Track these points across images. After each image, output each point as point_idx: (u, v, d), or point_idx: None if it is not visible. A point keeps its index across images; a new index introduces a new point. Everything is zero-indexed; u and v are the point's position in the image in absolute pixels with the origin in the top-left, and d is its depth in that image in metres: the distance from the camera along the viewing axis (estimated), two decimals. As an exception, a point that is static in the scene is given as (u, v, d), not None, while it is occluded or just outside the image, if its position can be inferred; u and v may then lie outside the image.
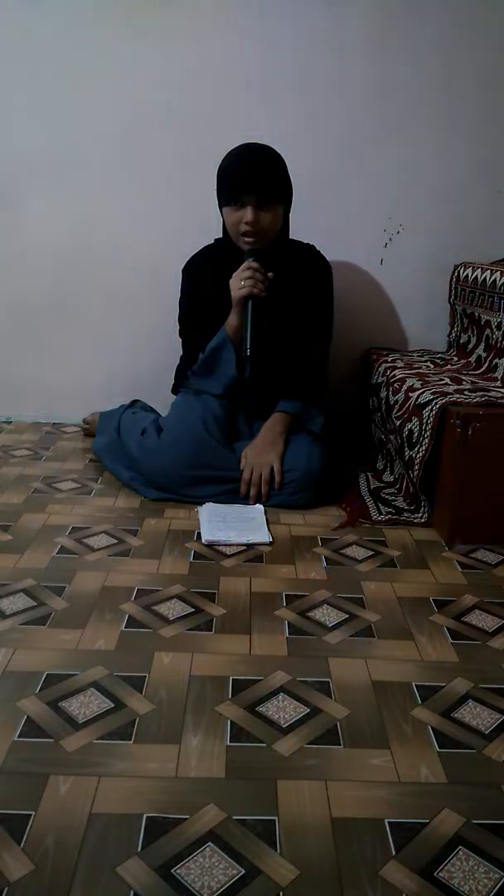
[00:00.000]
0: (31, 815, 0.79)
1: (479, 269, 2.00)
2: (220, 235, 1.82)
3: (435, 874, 0.74)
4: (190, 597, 1.28)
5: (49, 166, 2.09)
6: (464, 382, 1.74)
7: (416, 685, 1.05)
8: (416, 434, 1.61)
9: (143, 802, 0.81)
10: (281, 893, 0.71)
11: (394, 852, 0.76)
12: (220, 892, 0.71)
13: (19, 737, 0.91)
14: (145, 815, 0.80)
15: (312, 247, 1.86)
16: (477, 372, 1.89)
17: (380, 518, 1.63)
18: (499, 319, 1.85)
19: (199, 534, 1.53)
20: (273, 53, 2.02)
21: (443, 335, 2.25)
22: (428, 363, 2.02)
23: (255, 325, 1.67)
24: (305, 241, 1.86)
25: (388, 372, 1.91)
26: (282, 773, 0.87)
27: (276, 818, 0.80)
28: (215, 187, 1.73)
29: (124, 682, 1.03)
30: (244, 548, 1.48)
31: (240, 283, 1.67)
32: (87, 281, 2.18)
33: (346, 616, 1.23)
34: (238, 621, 1.20)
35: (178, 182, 2.10)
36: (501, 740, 0.94)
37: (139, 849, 0.75)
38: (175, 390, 1.90)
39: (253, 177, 1.65)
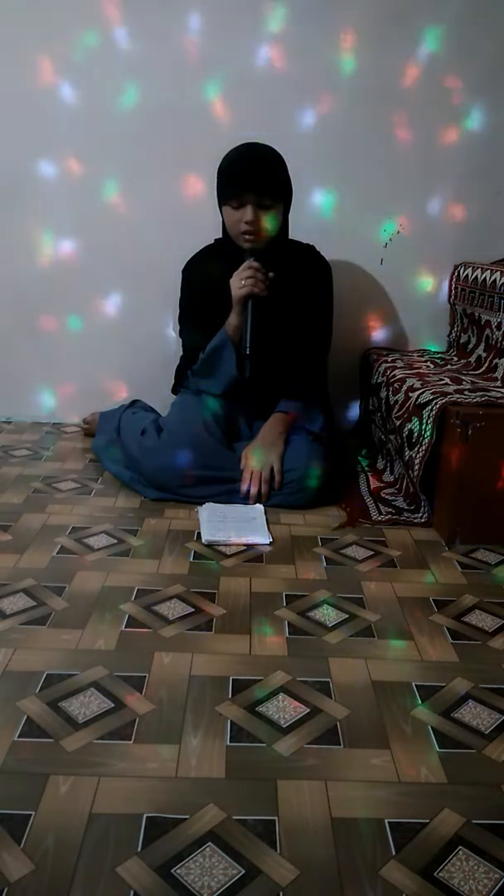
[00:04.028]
0: (31, 815, 0.79)
1: (479, 269, 2.00)
2: (220, 235, 1.82)
3: (435, 874, 0.74)
4: (190, 597, 1.28)
5: (49, 164, 2.09)
6: (464, 382, 1.74)
7: (416, 685, 1.05)
8: (416, 434, 1.61)
9: (143, 802, 0.81)
10: (281, 893, 0.71)
11: (394, 852, 0.76)
12: (220, 892, 0.71)
13: (19, 737, 0.91)
14: (145, 815, 0.80)
15: (312, 247, 1.86)
16: (477, 372, 1.89)
17: (380, 518, 1.63)
18: (499, 319, 1.85)
19: (199, 534, 1.53)
20: (272, 49, 2.02)
21: (443, 335, 2.25)
22: (428, 363, 2.02)
23: (255, 324, 1.67)
24: (305, 241, 1.86)
25: (388, 372, 1.91)
26: (282, 773, 0.87)
27: (276, 818, 0.80)
28: (215, 186, 1.73)
29: (124, 682, 1.03)
30: (244, 548, 1.48)
31: (240, 282, 1.67)
32: (87, 280, 2.18)
33: (346, 616, 1.23)
34: (238, 621, 1.20)
35: (178, 181, 2.10)
36: (501, 740, 0.94)
37: (139, 849, 0.75)
38: (175, 390, 1.90)
39: (253, 176, 1.65)
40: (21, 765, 0.87)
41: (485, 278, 1.94)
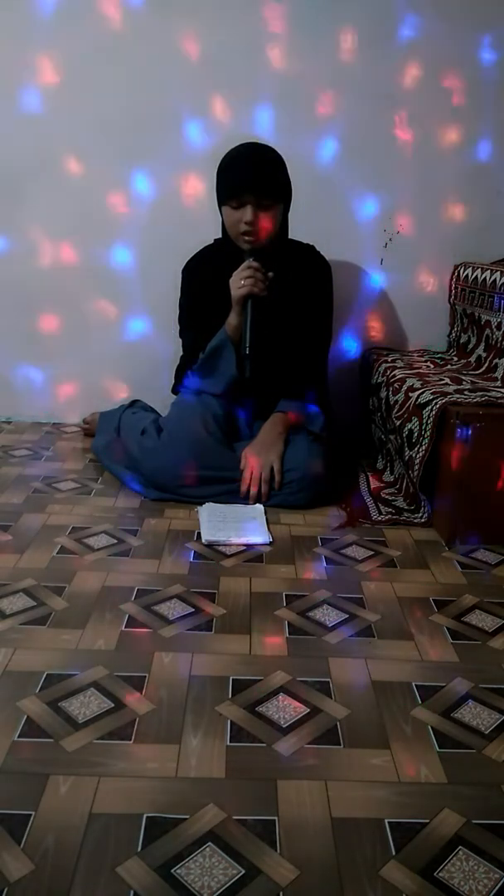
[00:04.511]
0: (31, 815, 0.79)
1: (479, 269, 2.00)
2: (220, 235, 1.82)
3: (435, 874, 0.74)
4: (190, 597, 1.28)
5: (48, 162, 2.09)
6: (464, 382, 1.74)
7: (416, 685, 1.05)
8: (416, 434, 1.61)
9: (143, 802, 0.81)
10: (281, 893, 0.71)
11: (394, 852, 0.76)
12: (220, 892, 0.71)
13: (19, 737, 0.91)
14: (145, 815, 0.80)
15: (312, 247, 1.86)
16: (477, 372, 1.89)
17: (380, 518, 1.63)
18: (499, 319, 1.85)
19: (199, 534, 1.53)
20: (272, 50, 2.02)
21: (443, 335, 2.25)
22: (428, 363, 2.02)
23: (254, 324, 1.67)
24: (305, 241, 1.86)
25: (388, 372, 1.91)
26: (282, 773, 0.87)
27: (276, 818, 0.80)
28: (215, 186, 1.73)
29: (124, 682, 1.03)
30: (244, 548, 1.48)
31: (240, 282, 1.67)
32: (87, 280, 2.18)
33: (346, 616, 1.23)
34: (238, 621, 1.20)
35: (178, 181, 2.10)
36: (501, 740, 0.94)
37: (139, 849, 0.75)
38: (175, 390, 1.90)
39: (253, 176, 1.65)
40: (21, 765, 0.87)
41: (485, 278, 1.94)
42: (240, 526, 1.55)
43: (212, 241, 1.87)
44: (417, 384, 1.72)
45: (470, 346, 2.05)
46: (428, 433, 1.56)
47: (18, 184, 2.10)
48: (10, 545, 1.45)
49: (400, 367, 1.93)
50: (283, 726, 0.95)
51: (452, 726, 0.96)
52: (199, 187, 2.08)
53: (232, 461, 1.71)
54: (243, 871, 0.73)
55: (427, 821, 0.80)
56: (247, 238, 1.69)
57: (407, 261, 2.20)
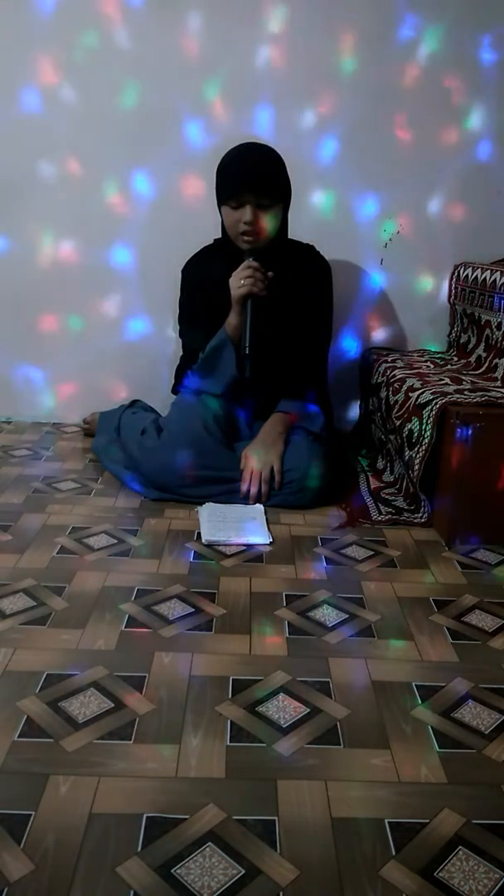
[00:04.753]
0: (31, 815, 0.79)
1: (479, 269, 2.00)
2: (219, 235, 1.82)
3: (435, 874, 0.74)
4: (190, 597, 1.28)
5: (49, 164, 2.09)
6: (464, 382, 1.74)
7: (416, 685, 1.05)
8: (416, 434, 1.61)
9: (143, 802, 0.81)
10: (281, 893, 0.71)
11: (394, 852, 0.76)
12: (220, 892, 0.71)
13: (19, 737, 0.91)
14: (145, 815, 0.80)
15: (312, 247, 1.86)
16: (477, 372, 1.89)
17: (380, 518, 1.63)
18: (499, 319, 1.85)
19: (199, 534, 1.53)
20: (272, 49, 2.02)
21: (443, 335, 2.25)
22: (428, 363, 2.02)
23: (254, 324, 1.67)
24: (305, 241, 1.87)
25: (388, 372, 1.91)
26: (282, 773, 0.87)
27: (276, 818, 0.80)
28: (214, 186, 1.73)
29: (124, 682, 1.03)
30: (244, 548, 1.48)
31: (239, 282, 1.67)
32: (87, 280, 2.18)
33: (346, 616, 1.23)
34: (238, 621, 1.20)
35: (178, 181, 2.10)
36: (501, 740, 0.94)
37: (139, 849, 0.75)
38: (175, 390, 1.90)
39: (252, 177, 1.65)
40: (21, 765, 0.87)
41: (485, 278, 1.94)
42: (240, 526, 1.55)
43: (212, 241, 1.87)
44: (417, 384, 1.72)
45: (470, 346, 2.05)
46: (428, 433, 1.56)
47: (19, 184, 2.10)
48: (10, 545, 1.45)
49: (400, 367, 1.93)
50: (283, 726, 0.95)
51: (452, 726, 0.96)
52: (199, 187, 2.08)
53: (232, 461, 1.71)
54: (243, 871, 0.73)
55: (427, 821, 0.80)
56: (246, 238, 1.69)
57: (407, 261, 2.20)
